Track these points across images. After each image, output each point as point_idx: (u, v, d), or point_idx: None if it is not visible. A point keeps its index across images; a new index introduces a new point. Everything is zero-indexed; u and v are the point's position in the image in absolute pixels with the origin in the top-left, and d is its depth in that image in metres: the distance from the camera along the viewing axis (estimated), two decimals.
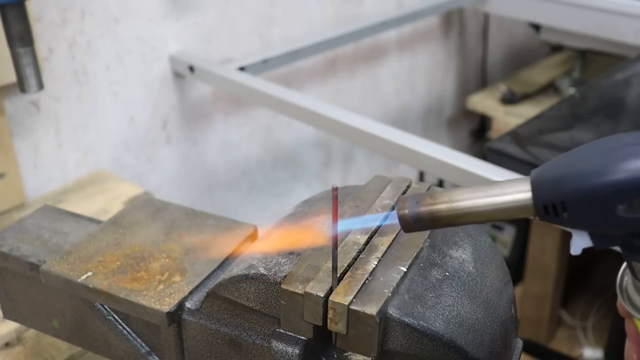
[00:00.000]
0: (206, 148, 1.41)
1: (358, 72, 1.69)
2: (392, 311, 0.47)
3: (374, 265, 0.50)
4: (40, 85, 0.93)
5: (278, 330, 0.52)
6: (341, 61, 1.63)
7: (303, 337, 0.51)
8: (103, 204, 1.08)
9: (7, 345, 0.81)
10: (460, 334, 0.48)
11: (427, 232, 0.55)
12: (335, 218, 0.49)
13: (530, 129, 1.21)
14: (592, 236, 0.41)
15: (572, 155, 0.41)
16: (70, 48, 1.12)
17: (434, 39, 1.90)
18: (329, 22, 1.54)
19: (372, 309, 0.46)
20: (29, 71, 0.91)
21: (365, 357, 0.49)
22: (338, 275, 0.49)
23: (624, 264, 0.44)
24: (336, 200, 0.48)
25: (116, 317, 0.62)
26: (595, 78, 1.62)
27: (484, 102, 1.81)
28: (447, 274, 0.52)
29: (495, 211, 0.42)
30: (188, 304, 0.58)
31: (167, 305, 0.58)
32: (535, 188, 0.41)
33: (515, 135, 1.18)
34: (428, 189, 0.61)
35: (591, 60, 1.87)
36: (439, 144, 0.99)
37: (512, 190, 0.42)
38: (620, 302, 0.45)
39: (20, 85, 0.92)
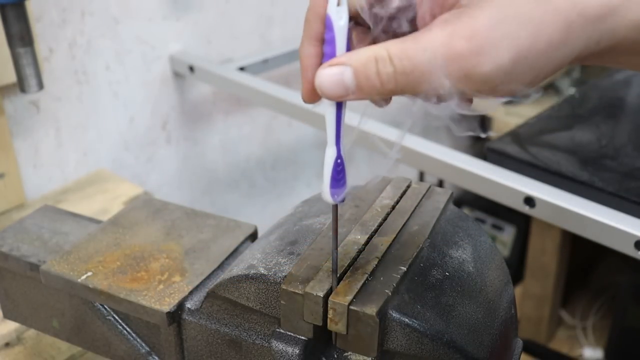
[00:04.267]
0: (206, 148, 1.41)
1: None
2: (392, 311, 0.47)
3: (374, 265, 0.50)
4: (40, 85, 0.93)
5: (278, 330, 0.52)
6: None
7: (303, 337, 0.51)
8: (103, 204, 1.08)
9: (7, 345, 0.81)
10: (460, 333, 0.48)
11: (427, 232, 0.55)
12: (335, 218, 0.49)
13: (530, 129, 1.21)
14: None
15: None
16: (70, 48, 1.12)
17: None
18: None
19: (372, 309, 0.46)
20: (29, 71, 0.91)
21: (365, 357, 0.49)
22: (338, 275, 0.49)
23: None
24: None
25: (116, 317, 0.62)
26: (595, 78, 1.62)
27: (484, 102, 1.81)
28: (447, 274, 0.52)
29: None
30: (188, 304, 0.58)
31: (167, 305, 0.58)
32: None
33: (515, 135, 1.18)
34: (428, 189, 0.61)
35: None
36: (439, 144, 0.98)
37: None
38: None
39: (20, 85, 0.92)
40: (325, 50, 0.43)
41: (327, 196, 0.45)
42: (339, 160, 0.45)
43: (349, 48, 0.43)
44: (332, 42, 0.42)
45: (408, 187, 0.61)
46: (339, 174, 0.45)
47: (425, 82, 0.40)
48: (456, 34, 0.39)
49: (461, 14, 0.40)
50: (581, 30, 0.40)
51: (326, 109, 0.44)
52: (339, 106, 0.43)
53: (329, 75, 0.42)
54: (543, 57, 0.40)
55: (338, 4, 0.42)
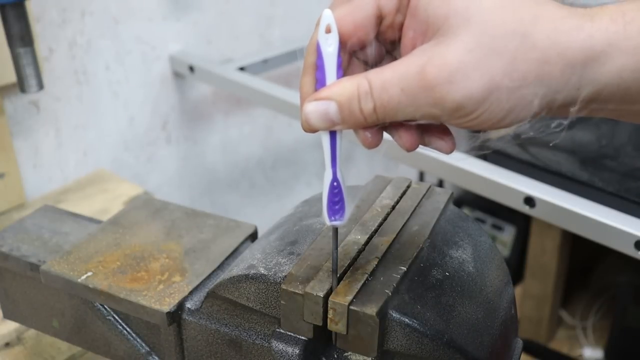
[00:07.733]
0: (206, 148, 1.41)
1: None
2: (392, 311, 0.47)
3: (374, 265, 0.50)
4: (40, 85, 0.93)
5: (278, 330, 0.52)
6: None
7: (303, 337, 0.51)
8: (103, 204, 1.08)
9: (7, 345, 0.81)
10: (460, 333, 0.48)
11: (427, 232, 0.55)
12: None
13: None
14: None
15: None
16: (70, 48, 1.12)
17: None
18: None
19: (372, 309, 0.46)
20: (29, 71, 0.91)
21: (365, 357, 0.49)
22: (338, 275, 0.49)
23: None
24: None
25: (116, 317, 0.62)
26: None
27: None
28: (447, 274, 0.52)
29: None
30: (188, 304, 0.58)
31: (167, 305, 0.58)
32: None
33: (515, 135, 1.18)
34: (428, 189, 0.61)
35: None
36: None
37: None
38: None
39: (20, 85, 0.92)
40: (317, 76, 0.44)
41: (325, 218, 0.46)
42: (335, 184, 0.46)
43: (340, 74, 0.44)
44: (322, 68, 0.43)
45: (408, 187, 0.61)
46: (335, 197, 0.46)
47: (401, 112, 0.41)
48: (429, 62, 0.40)
49: (438, 43, 0.40)
50: (559, 72, 0.39)
51: (322, 134, 0.45)
52: (333, 132, 0.44)
53: (315, 109, 0.43)
54: (516, 91, 0.40)
55: (327, 32, 0.43)
